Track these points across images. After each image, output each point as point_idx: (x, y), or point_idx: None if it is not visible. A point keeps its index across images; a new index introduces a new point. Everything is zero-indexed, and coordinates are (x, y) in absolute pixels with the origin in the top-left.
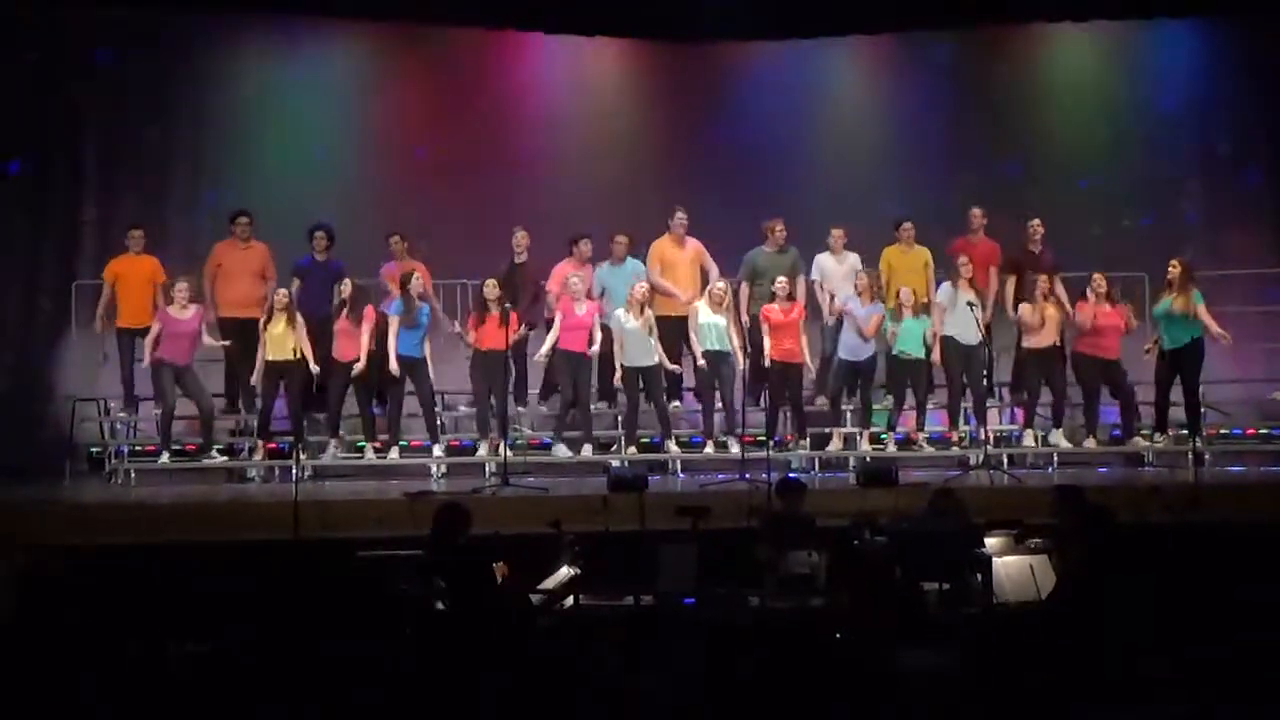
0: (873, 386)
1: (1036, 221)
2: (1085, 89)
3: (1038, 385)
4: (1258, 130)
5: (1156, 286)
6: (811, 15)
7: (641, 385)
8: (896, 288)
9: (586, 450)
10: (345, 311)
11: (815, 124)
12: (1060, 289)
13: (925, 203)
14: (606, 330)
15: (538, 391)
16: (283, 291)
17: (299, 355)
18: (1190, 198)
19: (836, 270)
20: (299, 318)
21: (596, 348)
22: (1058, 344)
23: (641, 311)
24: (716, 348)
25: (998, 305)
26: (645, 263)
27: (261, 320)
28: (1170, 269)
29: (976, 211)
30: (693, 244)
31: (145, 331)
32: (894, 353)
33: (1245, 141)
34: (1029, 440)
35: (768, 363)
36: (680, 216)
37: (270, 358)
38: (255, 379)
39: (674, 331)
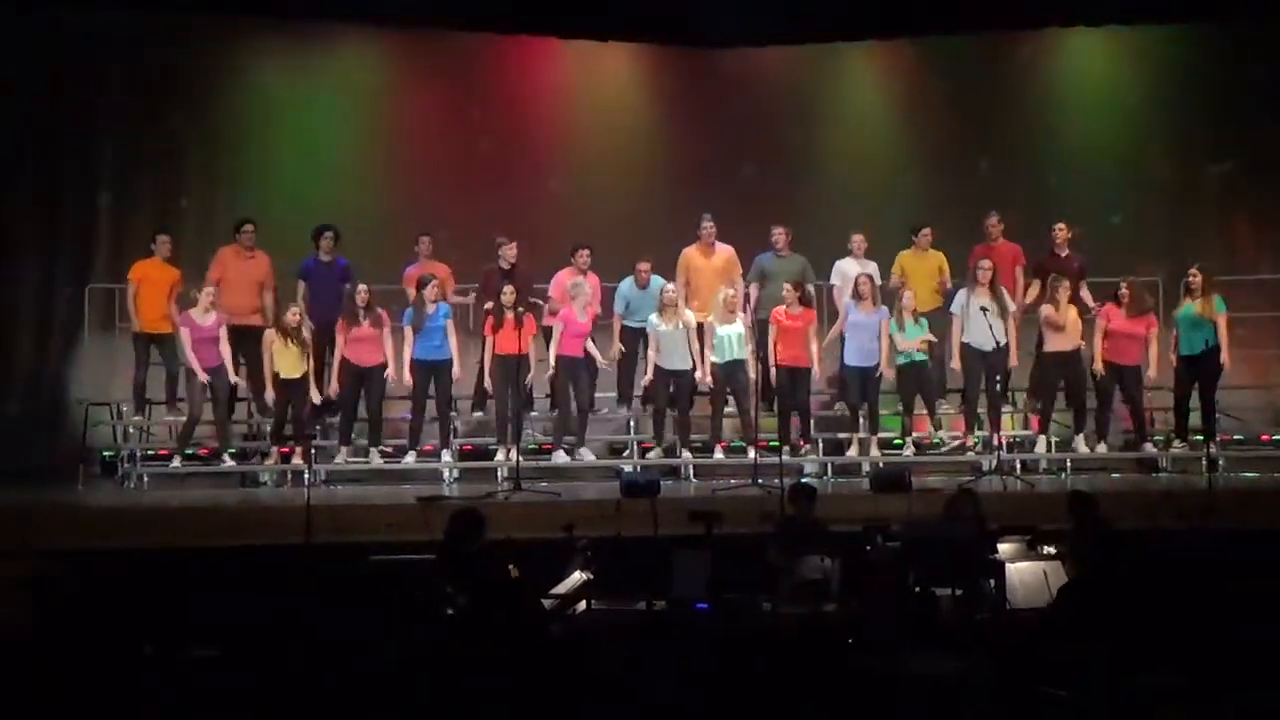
0: (880, 391)
1: (1061, 225)
2: (1099, 93)
3: (1054, 389)
4: (1273, 134)
5: (1171, 289)
6: (825, 20)
7: (670, 389)
8: (903, 291)
9: (585, 454)
10: (365, 317)
11: (830, 129)
12: (1086, 293)
13: (942, 207)
14: (632, 335)
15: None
16: (294, 310)
17: (305, 375)
18: (1206, 202)
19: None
20: (307, 336)
21: (615, 352)
22: (1080, 348)
23: (669, 314)
24: (732, 358)
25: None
26: (675, 273)
27: (270, 333)
28: (1190, 277)
29: (993, 219)
30: (723, 251)
31: (159, 337)
32: (898, 363)
33: (1260, 146)
34: (1041, 446)
35: (773, 370)
36: (707, 225)
37: (281, 375)
38: (268, 394)
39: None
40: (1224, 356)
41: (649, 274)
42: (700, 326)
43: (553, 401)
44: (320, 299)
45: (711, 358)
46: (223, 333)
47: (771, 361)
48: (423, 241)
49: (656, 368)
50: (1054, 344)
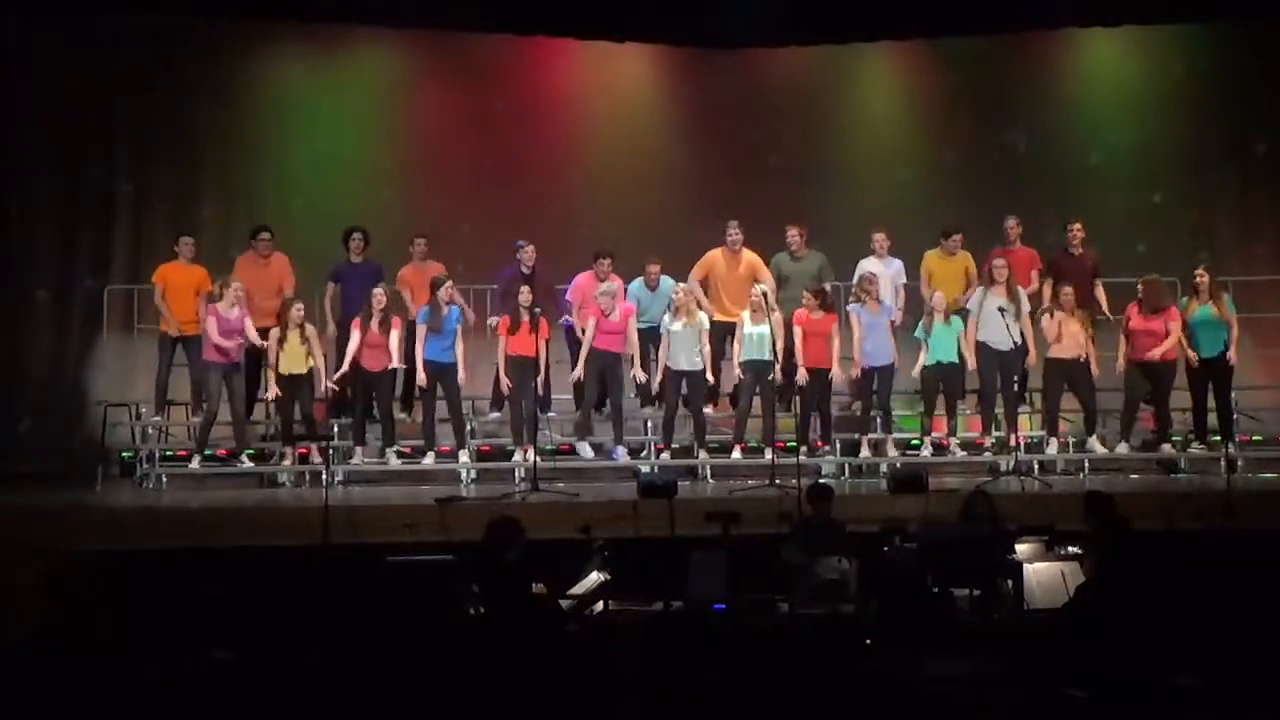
0: (890, 391)
1: (1077, 225)
2: (1116, 93)
3: (1058, 391)
4: None
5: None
6: (841, 20)
7: (683, 390)
8: (931, 293)
9: (620, 452)
10: (376, 323)
11: (849, 128)
12: (1100, 292)
13: (960, 207)
14: (642, 337)
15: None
16: (298, 307)
17: (309, 371)
18: (1221, 202)
19: (882, 275)
20: (310, 331)
21: (636, 353)
22: (1081, 358)
23: (682, 314)
24: (759, 357)
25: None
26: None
27: (275, 333)
28: (1197, 277)
29: (1011, 221)
30: (748, 258)
31: (188, 338)
32: (926, 364)
33: (1276, 145)
34: (1053, 449)
35: (800, 371)
36: (732, 234)
37: (284, 371)
38: (269, 392)
39: (718, 337)
40: (1232, 356)
41: (658, 275)
42: (731, 327)
43: (577, 398)
44: (353, 300)
45: (741, 358)
46: (249, 323)
47: (800, 362)
48: (417, 243)
49: (667, 368)
50: (1054, 351)
